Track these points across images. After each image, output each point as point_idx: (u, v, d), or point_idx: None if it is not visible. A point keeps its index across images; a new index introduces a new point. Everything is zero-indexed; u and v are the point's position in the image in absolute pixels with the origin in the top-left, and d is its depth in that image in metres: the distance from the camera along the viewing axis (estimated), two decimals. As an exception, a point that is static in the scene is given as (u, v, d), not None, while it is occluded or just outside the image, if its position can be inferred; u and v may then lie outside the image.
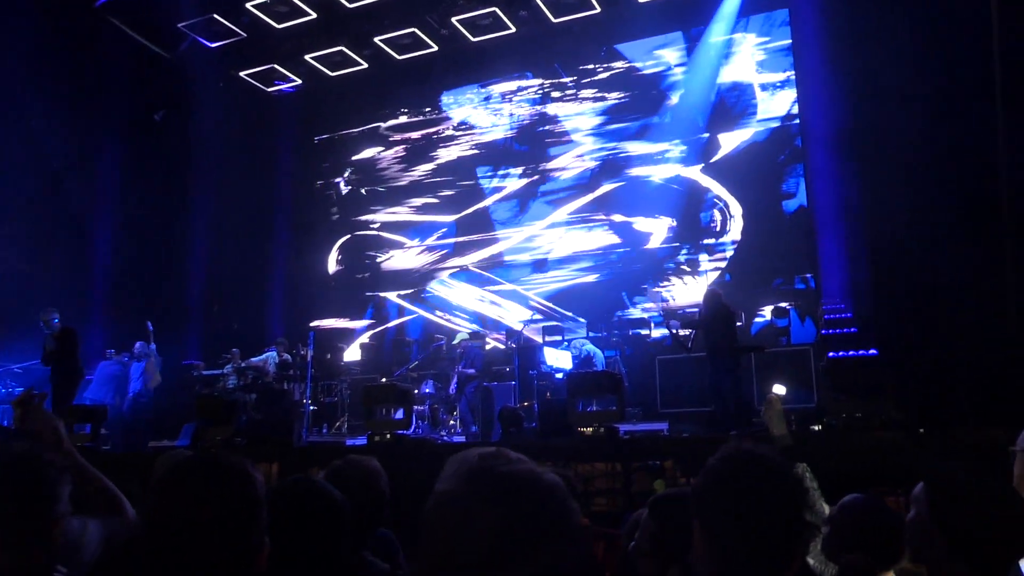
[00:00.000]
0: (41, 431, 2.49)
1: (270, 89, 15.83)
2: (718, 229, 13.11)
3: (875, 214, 10.64)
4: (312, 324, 15.33)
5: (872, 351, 7.12)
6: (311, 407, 12.24)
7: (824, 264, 11.67)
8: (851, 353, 7.19)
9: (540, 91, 15.08)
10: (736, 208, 12.99)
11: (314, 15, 13.30)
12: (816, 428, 6.80)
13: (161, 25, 13.52)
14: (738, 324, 11.27)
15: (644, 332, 12.51)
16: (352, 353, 15.32)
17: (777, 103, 12.99)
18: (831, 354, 7.11)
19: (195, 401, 8.86)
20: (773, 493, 1.56)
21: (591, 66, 14.57)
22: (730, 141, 13.22)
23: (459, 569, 1.15)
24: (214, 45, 14.14)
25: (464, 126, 15.76)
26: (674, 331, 10.21)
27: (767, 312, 12.31)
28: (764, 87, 13.12)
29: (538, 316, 13.96)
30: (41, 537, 1.90)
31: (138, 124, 14.33)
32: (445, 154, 15.82)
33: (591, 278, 13.92)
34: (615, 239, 13.85)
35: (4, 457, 1.98)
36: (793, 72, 12.84)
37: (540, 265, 14.42)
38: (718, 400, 9.35)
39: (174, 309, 14.26)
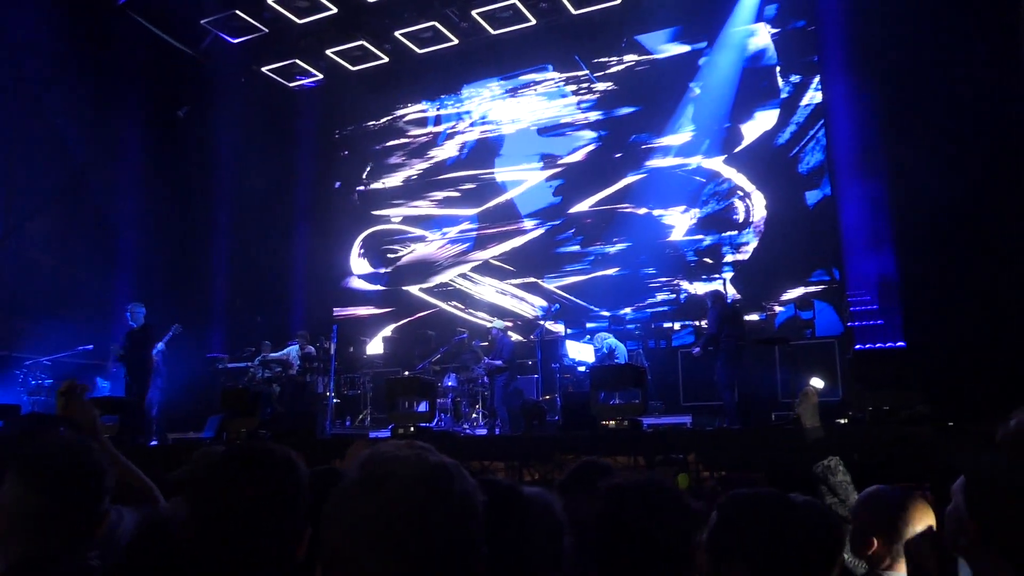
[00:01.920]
0: (80, 421, 2.53)
1: (291, 84, 15.90)
2: (740, 220, 13.02)
3: (901, 203, 10.51)
4: (335, 312, 15.47)
5: (899, 343, 7.05)
6: (334, 400, 12.30)
7: (849, 255, 11.55)
8: (878, 345, 7.13)
9: (560, 83, 15.03)
10: (759, 199, 12.89)
11: (335, 10, 13.33)
12: (842, 421, 6.75)
13: (184, 22, 13.62)
14: (755, 318, 11.31)
15: (666, 325, 12.47)
16: (375, 346, 15.39)
17: (800, 91, 12.85)
18: (857, 346, 7.05)
19: (220, 393, 8.93)
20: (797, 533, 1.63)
21: (611, 57, 14.49)
22: (752, 131, 13.10)
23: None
24: (236, 41, 14.22)
25: (484, 119, 15.75)
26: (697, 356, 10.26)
27: (792, 302, 12.22)
28: (787, 75, 12.99)
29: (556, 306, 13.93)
30: (86, 529, 1.92)
31: (161, 120, 14.44)
32: (466, 147, 15.82)
33: (612, 271, 13.87)
34: (636, 231, 13.78)
35: (58, 447, 2.00)
36: (816, 59, 12.70)
37: (561, 258, 14.39)
38: (726, 394, 9.46)
39: (198, 303, 14.39)
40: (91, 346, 11.24)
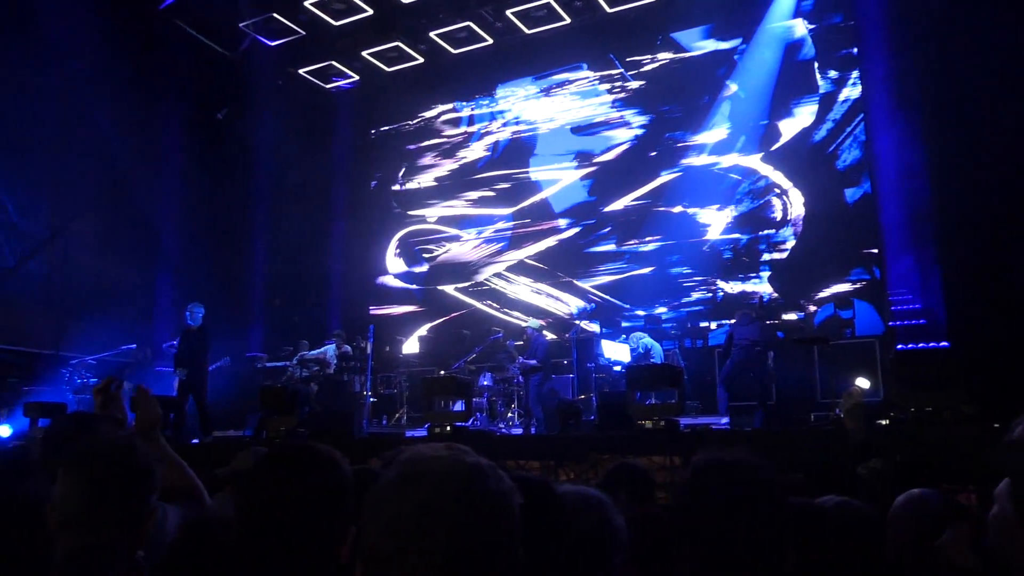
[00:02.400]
0: (141, 418, 2.57)
1: (328, 85, 16.06)
2: (778, 218, 12.87)
3: (943, 200, 10.30)
4: (371, 311, 15.61)
5: (943, 343, 6.92)
6: (371, 399, 12.39)
7: (890, 253, 11.36)
8: (920, 345, 7.00)
9: (594, 82, 14.98)
10: (796, 196, 12.73)
11: (370, 11, 13.44)
12: (883, 422, 6.64)
13: (222, 25, 13.84)
14: (794, 317, 11.22)
15: (703, 324, 12.37)
16: (411, 345, 15.47)
17: (839, 87, 12.68)
18: (899, 346, 6.92)
19: (259, 392, 9.04)
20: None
21: (646, 55, 14.41)
22: (790, 128, 12.95)
23: (383, 557, 1.15)
24: (274, 43, 14.40)
25: (518, 118, 15.75)
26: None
27: (831, 301, 12.05)
28: (825, 71, 12.81)
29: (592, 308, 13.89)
30: (134, 526, 1.95)
31: (201, 122, 14.70)
32: (500, 147, 15.84)
33: (647, 270, 13.79)
34: (672, 230, 13.69)
35: (107, 444, 2.04)
36: (856, 55, 12.51)
37: (596, 257, 14.35)
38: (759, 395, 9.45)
39: (237, 302, 14.61)
40: (134, 345, 11.45)
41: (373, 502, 1.19)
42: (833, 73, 12.76)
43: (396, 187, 16.94)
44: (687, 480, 1.60)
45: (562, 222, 14.86)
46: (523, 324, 12.17)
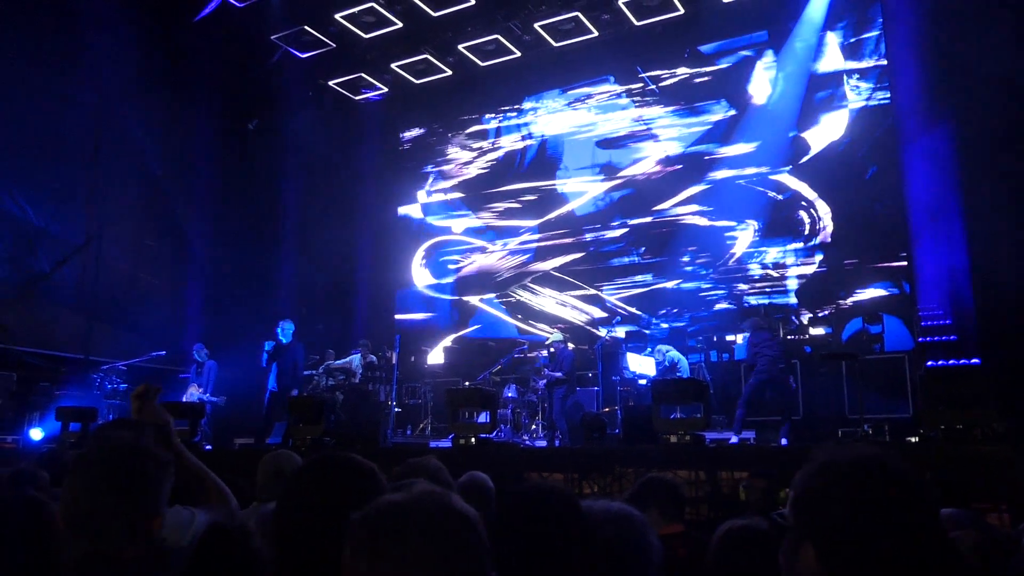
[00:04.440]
0: (155, 425, 2.61)
1: (357, 97, 16.22)
2: (806, 232, 12.78)
3: (975, 214, 10.16)
4: (396, 319, 15.68)
5: (974, 360, 6.81)
6: (396, 408, 12.43)
7: (920, 268, 11.23)
8: (951, 362, 6.90)
9: (622, 94, 14.99)
10: (824, 210, 12.63)
11: (400, 24, 13.56)
12: (913, 440, 6.56)
13: (255, 38, 14.03)
14: (821, 332, 11.11)
15: (729, 338, 12.29)
16: (435, 356, 15.52)
17: (869, 102, 12.58)
18: (930, 363, 6.82)
19: (287, 401, 9.11)
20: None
21: (674, 68, 14.40)
22: (819, 141, 12.86)
23: None
24: (305, 55, 14.58)
25: (546, 131, 15.79)
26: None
27: (858, 316, 11.91)
28: (855, 86, 12.73)
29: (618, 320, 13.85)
30: (136, 531, 1.95)
31: (232, 132, 14.92)
32: (527, 158, 15.89)
33: (673, 283, 13.74)
34: (699, 243, 13.64)
35: (110, 448, 2.05)
36: (886, 67, 12.41)
37: (622, 269, 14.32)
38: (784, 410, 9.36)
39: (265, 310, 14.73)
40: (164, 352, 11.59)
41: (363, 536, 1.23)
42: (862, 85, 12.67)
43: (423, 198, 17.03)
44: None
45: (588, 235, 14.86)
46: (548, 338, 12.16)
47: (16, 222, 11.69)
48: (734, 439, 9.05)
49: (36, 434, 9.62)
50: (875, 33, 12.64)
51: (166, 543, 2.01)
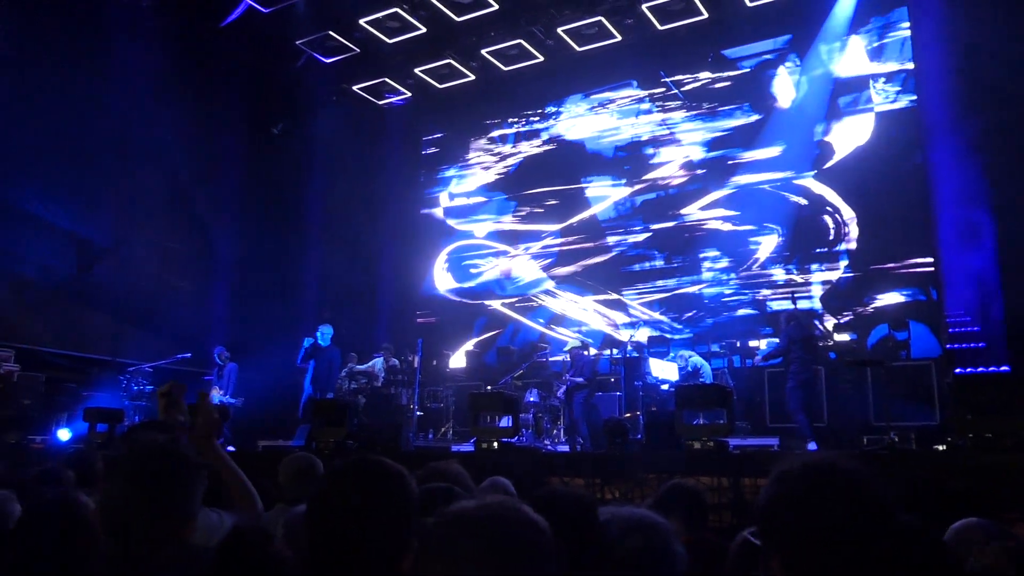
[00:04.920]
0: (200, 424, 2.63)
1: (381, 102, 16.31)
2: (831, 237, 12.67)
3: (1005, 219, 10.02)
4: (418, 321, 15.73)
5: (1004, 367, 6.72)
6: (418, 412, 12.46)
7: (947, 273, 11.09)
8: (980, 369, 6.80)
9: (645, 99, 14.96)
10: (849, 214, 12.52)
11: (424, 29, 13.62)
12: (940, 448, 6.47)
13: (279, 43, 14.16)
14: (846, 338, 10.99)
15: (752, 343, 12.20)
16: (457, 360, 15.54)
17: (895, 106, 12.46)
18: (958, 371, 6.74)
19: (310, 403, 9.17)
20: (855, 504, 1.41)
21: (697, 72, 14.35)
22: (844, 145, 12.75)
23: None
24: (329, 60, 14.69)
25: (568, 135, 15.78)
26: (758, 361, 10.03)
27: (884, 323, 11.79)
28: (881, 89, 12.61)
29: (642, 326, 13.80)
30: (169, 533, 1.98)
31: (257, 137, 15.06)
32: (550, 163, 15.88)
33: (696, 288, 13.68)
34: (722, 248, 13.57)
35: (146, 452, 2.07)
36: (913, 70, 12.29)
37: (644, 274, 14.28)
38: (798, 417, 9.23)
39: (288, 313, 14.86)
40: (189, 354, 11.70)
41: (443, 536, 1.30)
42: (888, 88, 12.55)
43: (446, 202, 17.08)
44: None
45: (610, 238, 14.83)
46: (567, 343, 12.14)
47: (45, 225, 11.85)
48: (813, 445, 8.94)
49: (64, 435, 9.74)
50: (901, 35, 12.52)
51: (197, 546, 2.03)
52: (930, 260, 11.60)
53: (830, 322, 12.27)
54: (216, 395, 11.38)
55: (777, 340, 11.43)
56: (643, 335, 13.01)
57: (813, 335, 9.90)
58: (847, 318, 12.07)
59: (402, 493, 1.66)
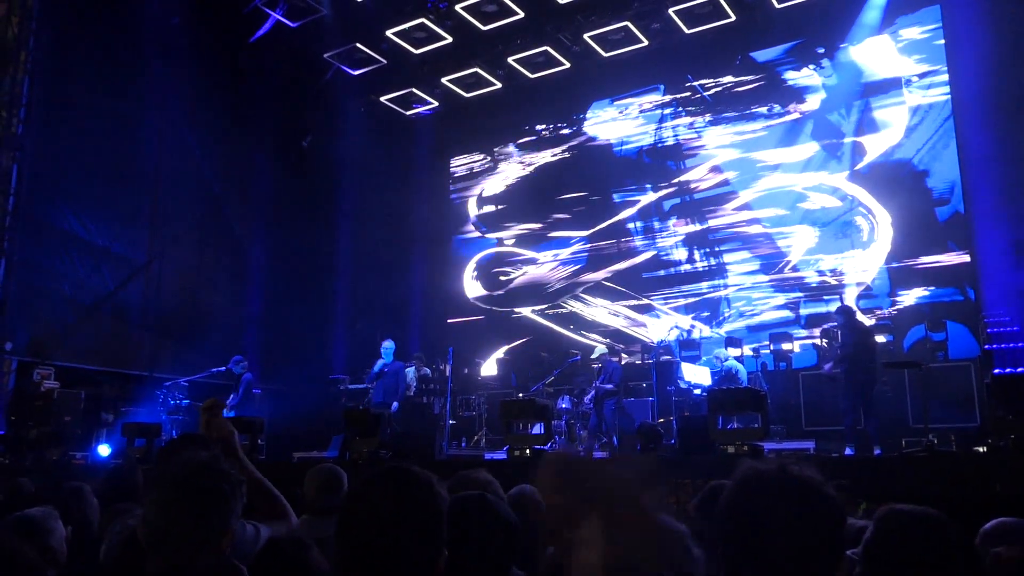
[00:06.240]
0: (220, 439, 2.69)
1: (408, 112, 16.43)
2: (864, 239, 12.51)
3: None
4: (449, 327, 15.80)
5: (1045, 367, 6.59)
6: (450, 421, 12.48)
7: (985, 273, 10.90)
8: (1020, 370, 6.68)
9: (672, 103, 14.90)
10: (883, 216, 12.36)
11: (450, 39, 13.70)
12: (981, 449, 6.36)
13: (308, 56, 14.33)
14: (882, 339, 10.76)
15: (787, 347, 12.07)
16: (488, 368, 15.55)
17: (927, 103, 12.29)
18: (996, 370, 6.62)
19: (343, 414, 9.22)
20: (797, 512, 1.40)
21: (726, 76, 14.26)
22: (877, 146, 12.60)
23: None
24: (356, 72, 14.83)
25: (597, 141, 15.77)
26: (829, 374, 9.69)
27: (921, 323, 11.59)
28: (913, 89, 12.44)
29: (679, 331, 13.71)
30: (210, 545, 2.01)
31: (287, 150, 15.24)
32: (577, 169, 15.87)
33: (729, 291, 13.58)
34: (754, 250, 13.46)
35: (187, 467, 2.12)
36: (945, 70, 12.12)
37: (675, 278, 14.20)
38: (847, 419, 8.98)
39: (321, 325, 15.00)
40: (223, 368, 11.83)
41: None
42: (921, 89, 12.38)
43: (474, 210, 17.14)
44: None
45: (639, 243, 14.77)
46: (593, 355, 12.10)
47: (82, 242, 12.08)
48: (878, 451, 8.69)
49: (104, 450, 9.89)
50: (933, 34, 12.35)
51: (232, 561, 2.05)
52: (967, 260, 11.41)
53: (867, 323, 12.08)
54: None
55: (815, 344, 11.30)
56: (673, 336, 12.95)
57: (868, 329, 9.65)
58: (883, 320, 11.89)
59: (431, 501, 1.66)
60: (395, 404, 11.38)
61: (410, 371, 12.85)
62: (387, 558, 1.59)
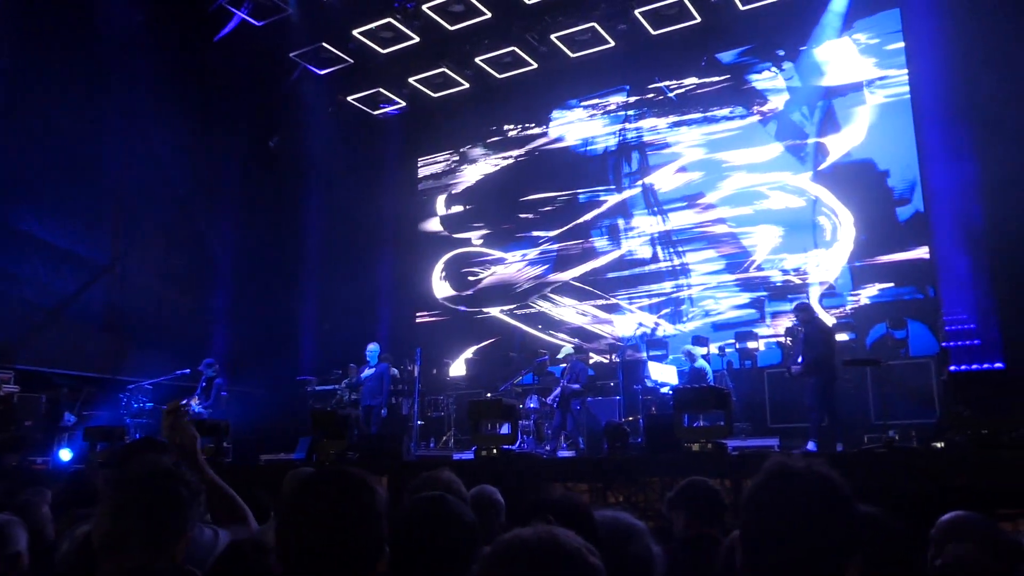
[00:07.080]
0: (182, 442, 2.68)
1: (376, 112, 16.36)
2: (828, 238, 12.70)
3: (998, 218, 10.07)
4: (417, 326, 15.77)
5: (998, 364, 6.74)
6: (419, 422, 12.46)
7: (943, 272, 11.12)
8: (974, 367, 6.82)
9: (639, 104, 15.00)
10: (846, 216, 12.55)
11: (417, 39, 13.68)
12: (939, 445, 6.49)
13: (274, 56, 14.22)
14: (845, 338, 10.93)
15: (752, 346, 12.20)
16: (457, 368, 15.55)
17: (888, 105, 12.50)
18: (952, 367, 6.76)
19: (310, 416, 9.17)
20: (819, 508, 1.48)
21: (691, 77, 14.39)
22: (839, 146, 12.80)
23: None
24: (323, 72, 14.74)
25: (563, 141, 15.82)
26: (792, 372, 9.83)
27: (883, 322, 11.80)
28: (874, 90, 12.65)
29: (647, 329, 13.82)
30: (163, 551, 2.00)
31: (254, 150, 15.11)
32: (544, 169, 15.91)
33: (694, 290, 13.70)
34: (719, 250, 13.60)
35: (145, 473, 2.11)
36: (906, 72, 12.35)
37: (641, 277, 14.30)
38: (812, 415, 9.12)
39: (287, 326, 14.88)
40: (188, 370, 11.70)
41: None
42: (882, 90, 12.59)
43: (442, 210, 17.11)
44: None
45: (606, 242, 14.85)
46: (560, 355, 12.16)
47: (43, 244, 11.87)
48: (840, 447, 8.73)
49: (65, 455, 9.74)
50: (894, 36, 12.57)
51: (187, 567, 2.05)
52: (926, 258, 11.63)
53: (828, 322, 12.26)
54: (195, 404, 11.33)
55: (779, 342, 11.44)
56: (639, 333, 13.06)
57: (829, 328, 9.79)
58: (846, 318, 12.08)
59: (368, 500, 1.69)
60: (384, 410, 11.53)
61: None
62: (325, 558, 1.62)
